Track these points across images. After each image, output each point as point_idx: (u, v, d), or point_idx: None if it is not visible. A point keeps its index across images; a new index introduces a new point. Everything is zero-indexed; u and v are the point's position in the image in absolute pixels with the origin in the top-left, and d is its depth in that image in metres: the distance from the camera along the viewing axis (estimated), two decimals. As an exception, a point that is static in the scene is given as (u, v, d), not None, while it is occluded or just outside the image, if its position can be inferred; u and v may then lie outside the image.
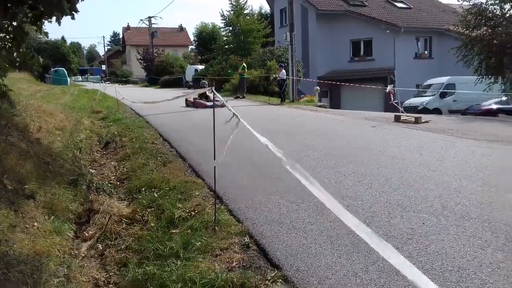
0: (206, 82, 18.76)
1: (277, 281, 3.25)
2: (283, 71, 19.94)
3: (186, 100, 17.79)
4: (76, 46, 74.44)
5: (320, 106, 18.80)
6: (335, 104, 27.24)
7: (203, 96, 17.41)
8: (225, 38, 36.68)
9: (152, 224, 4.71)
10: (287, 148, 7.83)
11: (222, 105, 15.71)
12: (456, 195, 4.92)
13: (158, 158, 7.42)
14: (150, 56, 47.85)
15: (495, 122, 12.80)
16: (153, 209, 5.17)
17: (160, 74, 42.92)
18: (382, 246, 2.84)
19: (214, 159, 4.39)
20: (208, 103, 16.12)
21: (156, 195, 5.51)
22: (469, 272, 3.17)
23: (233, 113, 3.77)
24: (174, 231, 4.38)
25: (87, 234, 4.91)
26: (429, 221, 4.16)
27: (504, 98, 18.30)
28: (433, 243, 3.67)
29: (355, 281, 3.13)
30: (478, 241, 3.67)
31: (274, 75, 21.64)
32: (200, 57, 48.22)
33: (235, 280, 3.25)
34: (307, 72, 28.78)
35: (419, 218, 4.23)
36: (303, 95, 22.40)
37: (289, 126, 11.29)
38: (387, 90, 13.07)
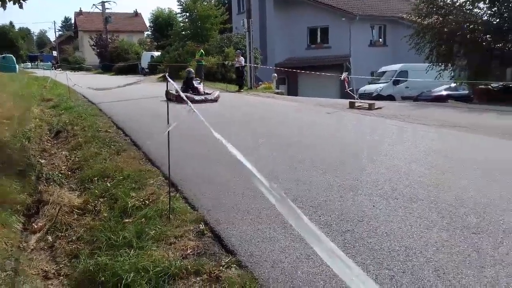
0: (192, 70, 16.36)
1: (231, 267, 3.26)
2: (242, 57, 19.88)
3: (168, 93, 15.55)
4: (25, 32, 71.04)
5: (277, 93, 18.93)
6: (293, 91, 27.46)
7: (189, 88, 14.61)
8: (182, 24, 35.95)
9: (105, 214, 4.61)
10: (244, 136, 7.85)
11: (216, 99, 12.90)
12: (405, 178, 5.10)
13: (112, 146, 7.25)
14: (104, 42, 46.38)
15: (445, 108, 13.31)
16: (105, 198, 5.05)
17: (114, 61, 41.76)
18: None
19: (169, 150, 4.32)
20: (197, 97, 13.23)
21: (109, 184, 5.38)
22: (415, 251, 3.30)
23: (184, 99, 3.71)
24: (127, 220, 4.30)
25: (36, 226, 4.75)
26: (379, 203, 4.29)
27: (453, 85, 19.06)
28: (383, 225, 3.79)
29: (307, 263, 3.20)
30: (424, 221, 3.83)
31: (230, 62, 21.51)
32: (156, 43, 47.18)
33: (189, 267, 3.24)
34: (265, 59, 28.82)
35: (370, 201, 4.36)
36: (261, 82, 22.45)
37: (246, 114, 11.30)
38: (341, 78, 13.31)
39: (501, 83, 14.89)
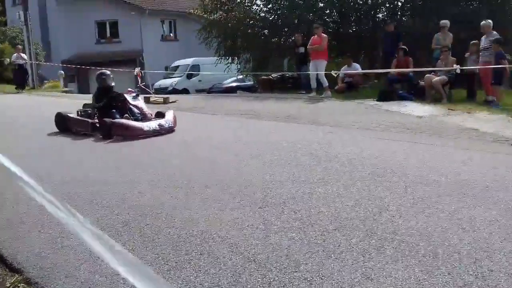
0: (110, 74, 9.83)
1: (18, 286, 2.93)
2: (22, 54, 17.83)
3: (67, 119, 8.19)
4: None
5: (66, 92, 17.63)
6: (85, 88, 25.81)
7: (116, 107, 8.06)
8: None
9: None
10: (28, 142, 7.09)
11: (172, 129, 7.34)
12: (198, 166, 5.35)
13: None
14: None
15: (234, 98, 14.34)
16: None
17: None
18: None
19: None
20: (148, 126, 7.34)
21: None
22: (211, 233, 3.49)
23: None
24: None
25: None
26: (176, 194, 4.40)
27: (240, 77, 20.71)
28: (182, 213, 3.90)
29: (106, 266, 3.08)
30: (218, 204, 4.08)
31: (8, 60, 19.08)
32: None
33: (-38, 296, 2.79)
34: (49, 55, 26.38)
35: (168, 193, 4.43)
36: (46, 81, 20.50)
37: (29, 117, 10.20)
38: (135, 73, 13.19)
39: (279, 73, 16.79)
